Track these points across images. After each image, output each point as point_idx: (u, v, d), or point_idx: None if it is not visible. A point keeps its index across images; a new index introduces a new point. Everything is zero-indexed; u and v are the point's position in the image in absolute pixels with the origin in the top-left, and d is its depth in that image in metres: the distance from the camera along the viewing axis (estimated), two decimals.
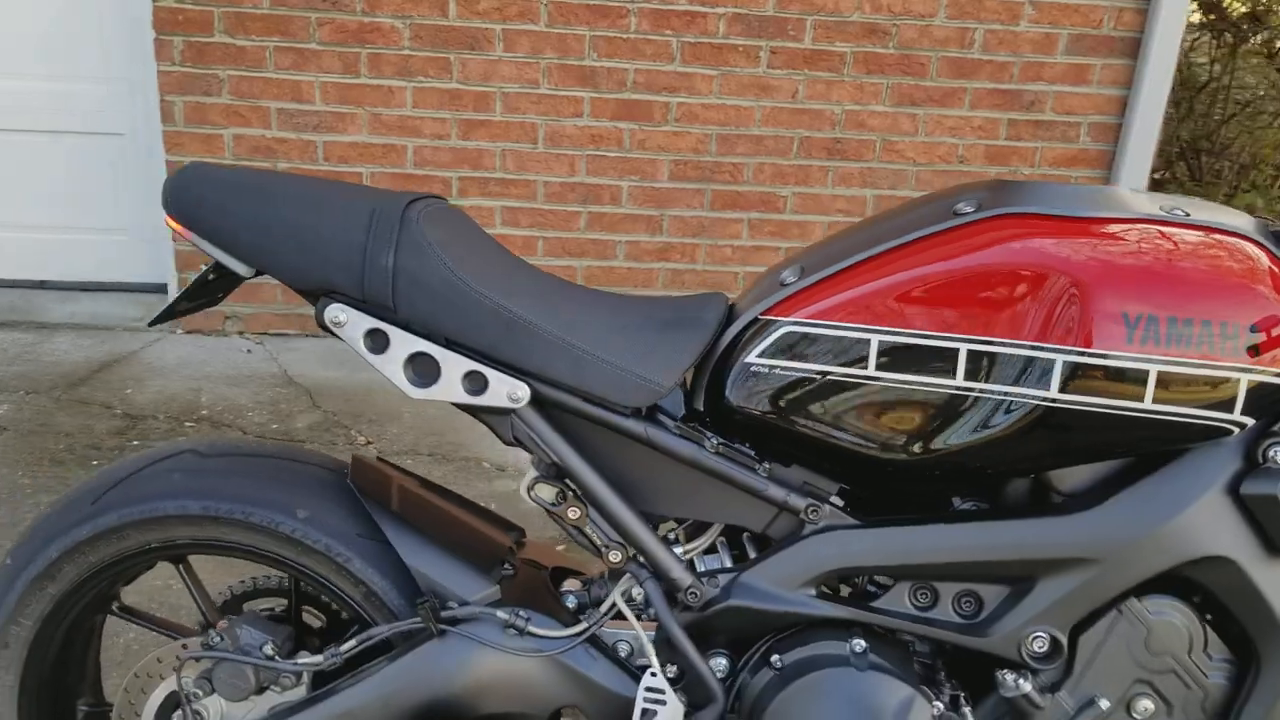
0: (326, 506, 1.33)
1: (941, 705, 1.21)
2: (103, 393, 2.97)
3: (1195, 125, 4.27)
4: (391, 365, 1.22)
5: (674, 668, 1.28)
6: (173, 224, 1.26)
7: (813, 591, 1.25)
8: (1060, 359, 1.09)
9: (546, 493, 1.27)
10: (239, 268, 1.25)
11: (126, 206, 3.47)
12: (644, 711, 1.25)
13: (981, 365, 1.12)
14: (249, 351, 3.31)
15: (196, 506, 1.30)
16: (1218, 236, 1.13)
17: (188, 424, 2.83)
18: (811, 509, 1.24)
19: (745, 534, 1.35)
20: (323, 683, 1.35)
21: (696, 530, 1.36)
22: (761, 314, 1.23)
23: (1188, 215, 1.14)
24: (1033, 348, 1.11)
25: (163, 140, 3.17)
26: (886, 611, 1.24)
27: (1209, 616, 1.20)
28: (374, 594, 1.33)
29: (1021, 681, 1.19)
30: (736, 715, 1.28)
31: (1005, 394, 1.12)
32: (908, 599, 1.25)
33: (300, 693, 1.35)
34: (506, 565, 1.33)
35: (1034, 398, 1.11)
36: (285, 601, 1.48)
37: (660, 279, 3.43)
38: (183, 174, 1.25)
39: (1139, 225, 1.13)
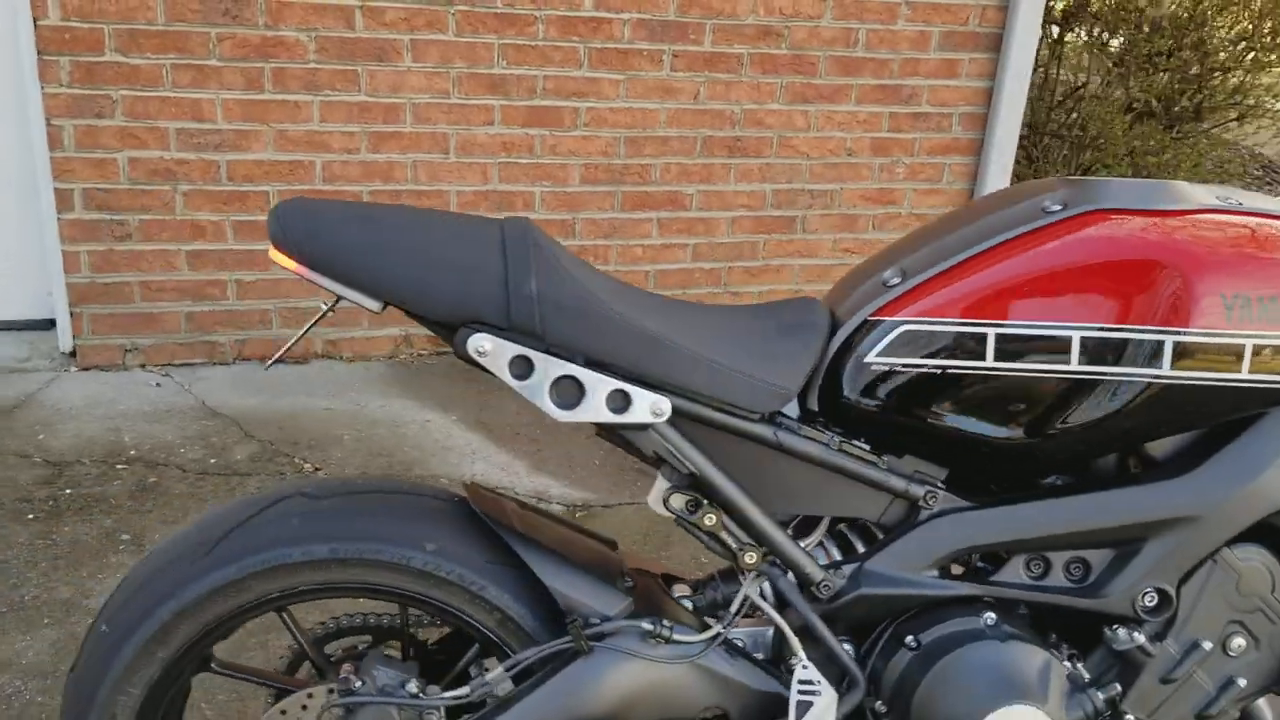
0: (451, 536, 1.33)
1: (1068, 665, 1.35)
2: (13, 440, 2.77)
3: (1028, 111, 4.65)
4: (536, 390, 1.24)
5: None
6: (286, 260, 1.23)
7: (935, 573, 1.36)
8: (1170, 339, 1.24)
9: (680, 502, 1.33)
10: (369, 303, 1.24)
11: (3, 238, 3.23)
12: (799, 705, 1.33)
13: (1096, 350, 1.26)
14: (158, 385, 3.15)
15: (323, 550, 1.29)
16: (1272, 221, 1.30)
17: (119, 466, 2.68)
18: (929, 495, 1.35)
19: (843, 525, 1.44)
20: (455, 716, 1.36)
21: (802, 527, 1.44)
22: (872, 315, 1.32)
23: (1241, 204, 1.31)
24: (1144, 331, 1.25)
25: (50, 167, 2.97)
26: (1006, 584, 1.37)
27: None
28: (510, 619, 1.34)
29: (1136, 634, 1.34)
30: (872, 697, 1.37)
31: (1121, 375, 1.26)
32: (1022, 571, 1.37)
33: None
34: (626, 577, 1.37)
35: (1148, 376, 1.25)
36: (369, 638, 1.47)
37: None
38: (289, 209, 1.23)
39: (1209, 215, 1.30)
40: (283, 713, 1.38)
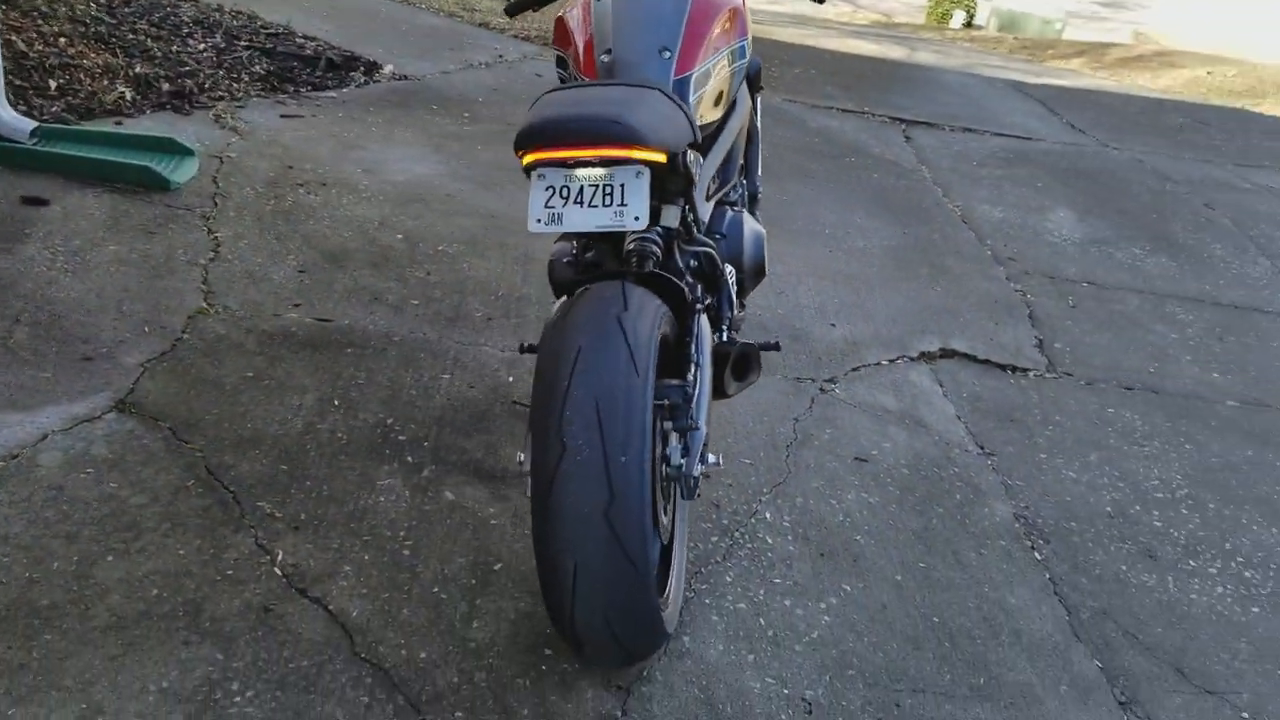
0: None
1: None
2: None
3: None
4: (698, 175, 2.24)
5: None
6: (633, 151, 1.99)
7: (710, 202, 2.62)
8: (749, 40, 2.77)
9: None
10: (659, 157, 2.03)
11: None
12: (729, 283, 2.59)
13: (734, 54, 2.58)
14: None
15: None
16: None
17: None
18: (699, 162, 2.34)
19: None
20: None
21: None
22: (677, 76, 2.36)
23: None
24: (744, 38, 2.72)
25: None
26: (722, 190, 2.73)
27: None
28: None
29: (743, 183, 2.96)
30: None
31: (745, 64, 2.78)
32: (714, 188, 2.66)
33: None
34: None
35: (749, 59, 2.79)
36: None
37: None
38: (613, 106, 2.01)
39: None
40: None
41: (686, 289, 2.29)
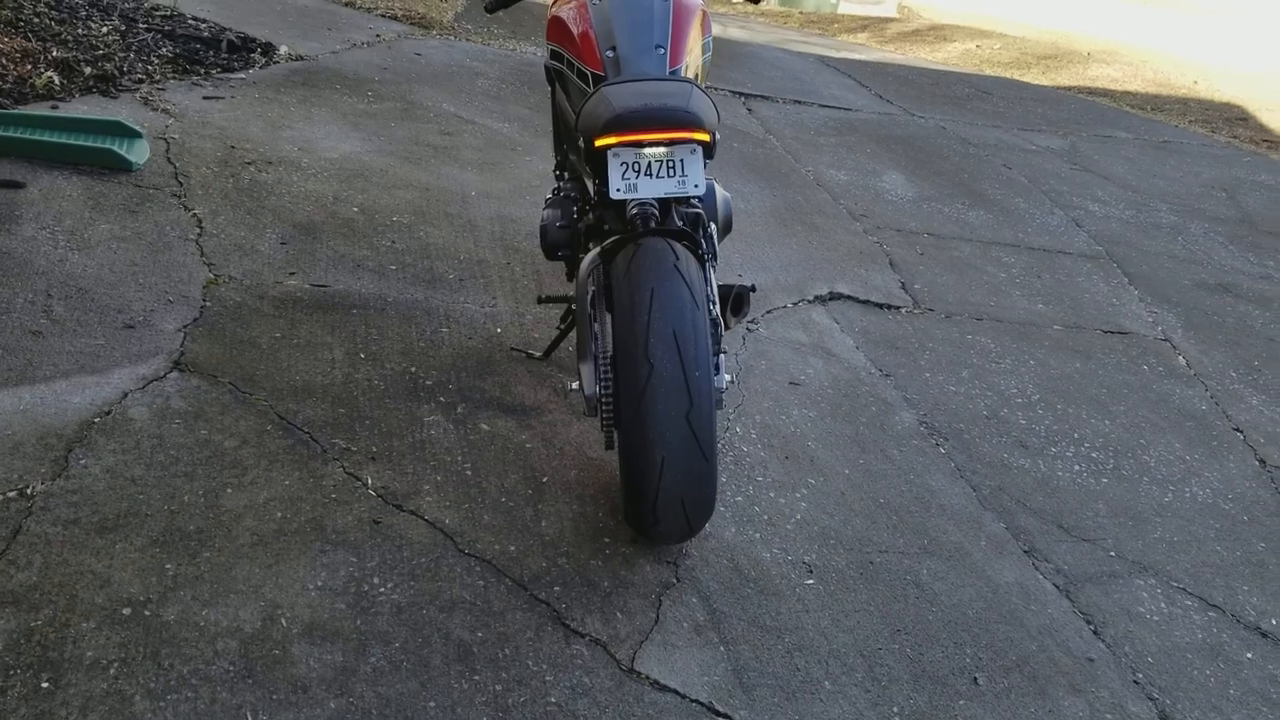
0: None
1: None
2: None
3: None
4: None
5: None
6: (699, 135, 2.63)
7: None
8: (711, 37, 3.40)
9: None
10: (707, 137, 2.71)
11: None
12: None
13: (707, 48, 3.32)
14: None
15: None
16: None
17: None
18: None
19: None
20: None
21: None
22: (671, 67, 2.91)
23: None
24: (709, 35, 3.37)
25: None
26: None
27: None
28: None
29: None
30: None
31: (709, 55, 3.37)
32: None
33: None
34: None
35: (710, 50, 3.42)
36: None
37: None
38: (676, 99, 2.63)
39: None
40: None
41: (701, 243, 2.85)
